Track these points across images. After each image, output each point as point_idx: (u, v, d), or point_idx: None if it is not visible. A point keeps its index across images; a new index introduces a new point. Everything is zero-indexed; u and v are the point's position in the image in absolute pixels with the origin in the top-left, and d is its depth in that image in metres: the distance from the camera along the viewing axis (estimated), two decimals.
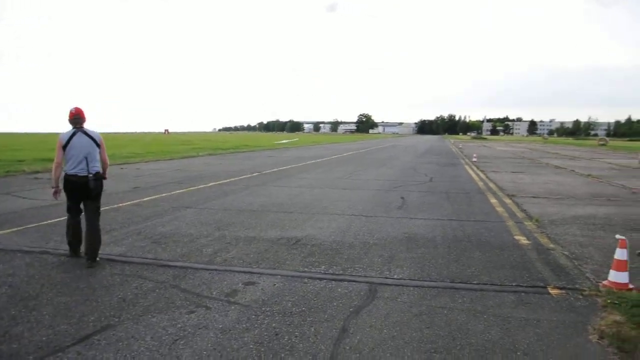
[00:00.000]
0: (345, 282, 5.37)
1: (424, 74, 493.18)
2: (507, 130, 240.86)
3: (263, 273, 5.66)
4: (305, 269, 5.81)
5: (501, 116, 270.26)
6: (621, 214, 9.92)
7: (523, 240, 7.40)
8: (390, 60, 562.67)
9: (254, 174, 17.47)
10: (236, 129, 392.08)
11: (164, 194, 11.78)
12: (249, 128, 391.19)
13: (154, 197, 11.35)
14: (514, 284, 5.37)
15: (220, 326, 4.15)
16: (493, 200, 11.47)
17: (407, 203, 11.01)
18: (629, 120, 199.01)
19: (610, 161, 29.28)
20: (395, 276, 5.61)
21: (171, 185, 13.68)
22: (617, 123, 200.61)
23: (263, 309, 4.57)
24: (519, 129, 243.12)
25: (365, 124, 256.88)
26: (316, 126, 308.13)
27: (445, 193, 12.82)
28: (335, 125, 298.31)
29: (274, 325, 4.20)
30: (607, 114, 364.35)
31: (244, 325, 4.18)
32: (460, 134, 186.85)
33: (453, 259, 6.35)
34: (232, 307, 4.59)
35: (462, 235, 7.69)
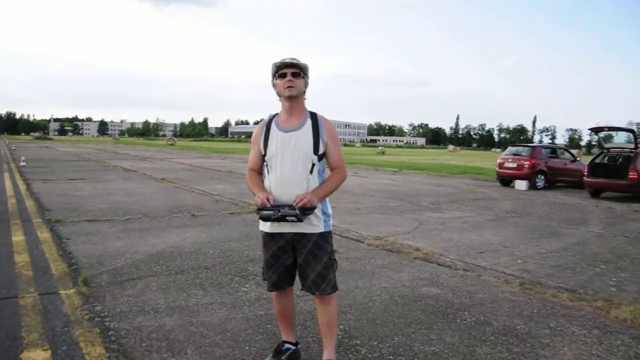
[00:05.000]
0: None
1: None
2: (77, 130, 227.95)
3: None
4: None
5: (70, 116, 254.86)
6: (218, 240, 6.78)
7: None
8: None
9: None
10: None
11: None
12: None
13: None
14: None
15: None
16: (17, 238, 6.65)
17: None
18: (192, 122, 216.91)
19: (182, 161, 27.73)
20: None
21: None
22: (183, 124, 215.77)
23: None
24: (89, 129, 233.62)
25: None
26: None
27: None
28: None
29: None
30: (174, 116, 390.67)
31: None
32: (23, 134, 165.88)
33: None
34: None
35: None
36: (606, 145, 15.85)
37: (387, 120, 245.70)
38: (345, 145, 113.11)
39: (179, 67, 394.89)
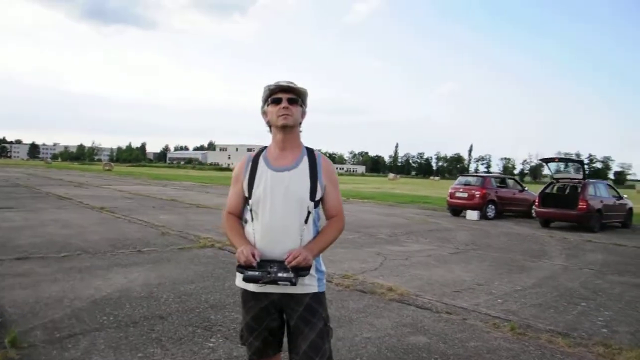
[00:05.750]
0: None
1: None
2: (5, 153, 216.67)
3: None
4: None
5: None
6: (170, 281, 6.04)
7: None
8: None
9: None
10: None
11: None
12: None
13: None
14: None
15: None
16: None
17: None
18: (129, 147, 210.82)
19: (121, 188, 26.32)
20: None
21: None
22: (120, 149, 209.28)
23: None
24: (18, 152, 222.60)
25: None
26: None
27: None
28: None
29: None
30: (111, 140, 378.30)
31: None
32: None
33: None
34: None
35: None
36: (555, 176, 16.12)
37: (327, 148, 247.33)
38: None
39: (116, 90, 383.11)
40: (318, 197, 2.43)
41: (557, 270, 8.19)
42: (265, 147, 2.54)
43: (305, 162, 2.45)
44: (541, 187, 16.57)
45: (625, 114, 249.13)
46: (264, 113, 2.49)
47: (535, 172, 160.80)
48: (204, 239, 9.42)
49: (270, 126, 2.50)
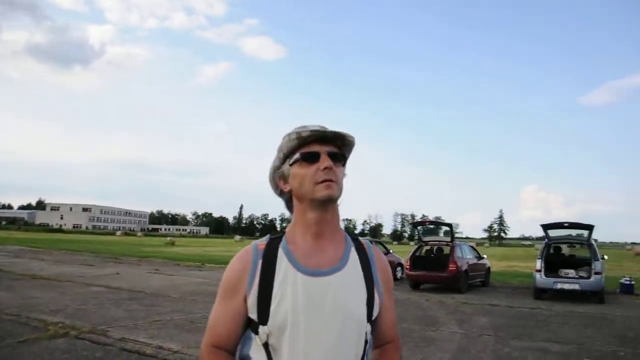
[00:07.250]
0: None
1: None
2: None
3: None
4: None
5: None
6: None
7: None
8: None
9: None
10: None
11: None
12: None
13: None
14: None
15: None
16: None
17: None
18: None
19: None
20: None
21: None
22: None
23: None
24: None
25: None
26: None
27: None
28: None
29: None
30: None
31: None
32: None
33: None
34: None
35: None
36: (424, 239, 16.47)
37: (169, 209, 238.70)
38: (127, 234, 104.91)
39: None
40: (375, 314, 1.43)
41: (460, 340, 7.83)
42: (282, 233, 1.47)
43: (354, 259, 1.44)
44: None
45: (454, 176, 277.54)
46: (282, 177, 1.45)
47: (374, 233, 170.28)
48: (52, 325, 7.53)
49: (289, 200, 1.48)
